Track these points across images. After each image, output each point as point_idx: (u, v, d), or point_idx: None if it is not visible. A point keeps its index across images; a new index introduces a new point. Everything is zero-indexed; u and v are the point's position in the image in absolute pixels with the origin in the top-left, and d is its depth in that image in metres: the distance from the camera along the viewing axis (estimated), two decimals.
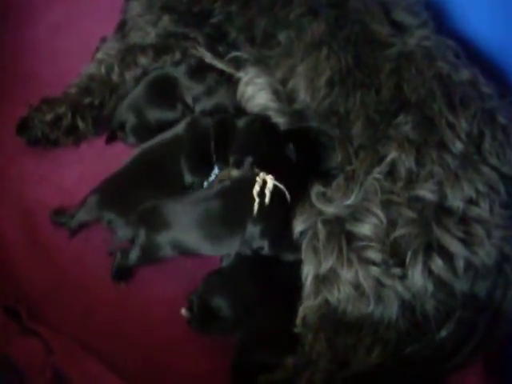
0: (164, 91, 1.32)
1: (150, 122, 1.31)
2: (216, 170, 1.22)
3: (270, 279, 1.13)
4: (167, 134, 1.25)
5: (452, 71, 1.14)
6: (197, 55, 1.33)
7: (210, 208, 1.14)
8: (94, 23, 1.56)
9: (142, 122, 1.31)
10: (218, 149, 1.21)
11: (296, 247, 1.10)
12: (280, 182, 1.13)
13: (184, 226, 1.13)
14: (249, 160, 1.18)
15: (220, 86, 1.29)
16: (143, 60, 1.34)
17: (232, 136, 1.22)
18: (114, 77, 1.35)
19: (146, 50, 1.34)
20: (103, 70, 1.36)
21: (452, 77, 1.13)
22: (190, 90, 1.30)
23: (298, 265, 1.08)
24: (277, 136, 1.22)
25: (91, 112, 1.33)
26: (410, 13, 1.23)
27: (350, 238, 1.03)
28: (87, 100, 1.33)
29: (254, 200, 1.12)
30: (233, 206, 1.15)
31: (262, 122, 1.23)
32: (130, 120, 1.31)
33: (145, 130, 1.31)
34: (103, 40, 1.46)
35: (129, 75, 1.35)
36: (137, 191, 1.18)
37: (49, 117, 1.31)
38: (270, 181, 1.12)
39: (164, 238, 1.13)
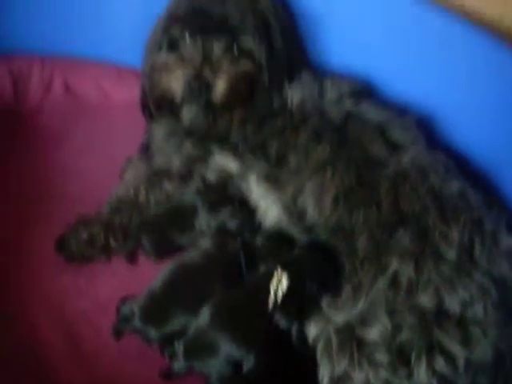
0: (184, 217, 1.44)
1: (170, 240, 1.43)
2: None
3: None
4: (195, 253, 1.36)
5: (443, 185, 1.27)
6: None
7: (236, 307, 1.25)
8: (117, 142, 1.71)
9: (161, 240, 1.43)
10: (247, 267, 1.32)
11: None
12: (295, 282, 1.25)
13: (226, 337, 1.20)
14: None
15: (237, 211, 1.42)
16: (169, 186, 1.48)
17: (256, 253, 1.34)
18: (141, 198, 1.48)
19: (171, 177, 1.48)
20: (132, 191, 1.49)
21: (443, 190, 1.26)
22: (208, 220, 1.43)
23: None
24: (293, 244, 1.35)
25: (121, 231, 1.45)
26: (403, 131, 1.37)
27: (361, 343, 1.14)
28: (118, 220, 1.46)
29: (269, 294, 1.23)
30: (254, 300, 1.25)
31: (278, 235, 1.36)
32: (150, 238, 1.43)
33: (164, 247, 1.44)
34: (128, 160, 1.61)
35: (154, 198, 1.48)
36: (174, 308, 1.27)
37: (84, 236, 1.43)
38: (285, 280, 1.23)
39: (218, 361, 1.20)
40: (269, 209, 1.39)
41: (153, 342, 1.26)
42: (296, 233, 1.36)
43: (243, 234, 1.38)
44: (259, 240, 1.37)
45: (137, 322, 1.26)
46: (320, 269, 1.27)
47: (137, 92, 1.60)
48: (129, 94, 1.82)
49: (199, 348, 1.21)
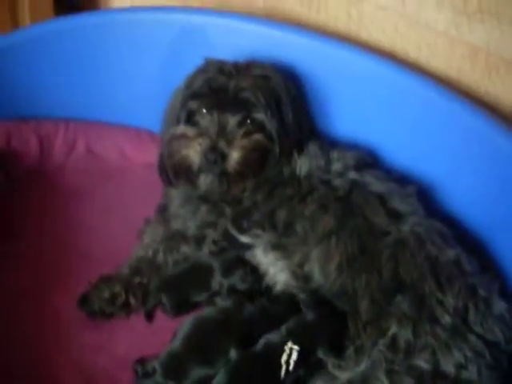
0: (202, 275, 1.53)
1: (188, 298, 1.52)
2: None
3: None
4: (213, 309, 1.44)
5: (439, 253, 1.36)
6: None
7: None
8: (137, 204, 1.80)
9: (181, 299, 1.51)
10: (261, 328, 1.39)
11: None
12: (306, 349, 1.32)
13: None
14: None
15: (248, 276, 1.50)
16: (185, 249, 1.57)
17: (269, 315, 1.42)
18: (159, 259, 1.57)
19: (188, 240, 1.57)
20: (150, 253, 1.58)
21: (439, 258, 1.35)
22: (221, 281, 1.51)
23: None
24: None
25: (140, 290, 1.54)
26: (403, 202, 1.47)
27: None
28: (137, 280, 1.54)
29: (281, 366, 1.30)
30: (267, 368, 1.32)
31: (289, 298, 1.44)
32: (170, 296, 1.51)
33: (182, 305, 1.52)
34: (147, 222, 1.70)
35: (171, 259, 1.57)
36: (193, 362, 1.34)
37: (106, 294, 1.51)
38: (295, 352, 1.30)
39: None
40: (277, 275, 1.47)
41: None
42: (303, 296, 1.44)
43: (259, 298, 1.46)
44: (272, 305, 1.45)
45: (158, 378, 1.33)
46: (330, 333, 1.35)
47: (154, 155, 1.70)
48: (148, 156, 1.92)
49: None
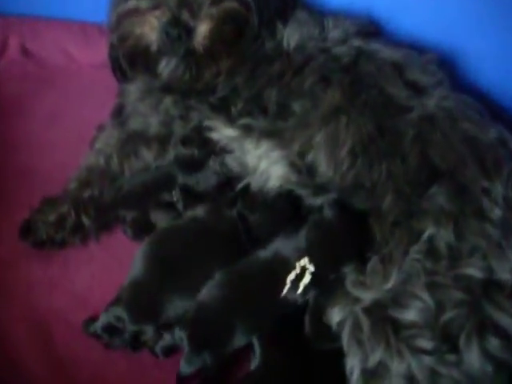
0: (166, 188, 1.32)
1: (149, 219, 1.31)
2: None
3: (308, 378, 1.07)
4: (184, 222, 1.21)
5: (478, 132, 1.12)
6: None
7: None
8: (87, 110, 1.56)
9: (142, 217, 1.30)
10: (248, 237, 1.18)
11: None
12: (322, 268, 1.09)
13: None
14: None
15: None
16: (146, 153, 1.34)
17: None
18: (114, 166, 1.35)
19: (150, 143, 1.33)
20: (102, 160, 1.35)
21: (479, 138, 1.11)
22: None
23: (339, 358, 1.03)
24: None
25: (92, 205, 1.32)
26: (424, 72, 1.22)
27: (397, 326, 0.99)
28: (87, 193, 1.33)
29: (285, 284, 1.08)
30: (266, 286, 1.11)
31: (285, 197, 1.20)
32: (131, 214, 1.31)
33: (143, 226, 1.30)
34: (100, 128, 1.45)
35: (128, 166, 1.35)
36: (168, 293, 1.12)
37: (52, 217, 1.29)
38: (308, 275, 1.08)
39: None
40: (271, 168, 1.23)
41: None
42: (307, 195, 1.19)
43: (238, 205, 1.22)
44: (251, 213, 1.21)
45: (129, 326, 1.10)
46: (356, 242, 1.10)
47: (104, 52, 1.40)
48: (96, 55, 1.65)
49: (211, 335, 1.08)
